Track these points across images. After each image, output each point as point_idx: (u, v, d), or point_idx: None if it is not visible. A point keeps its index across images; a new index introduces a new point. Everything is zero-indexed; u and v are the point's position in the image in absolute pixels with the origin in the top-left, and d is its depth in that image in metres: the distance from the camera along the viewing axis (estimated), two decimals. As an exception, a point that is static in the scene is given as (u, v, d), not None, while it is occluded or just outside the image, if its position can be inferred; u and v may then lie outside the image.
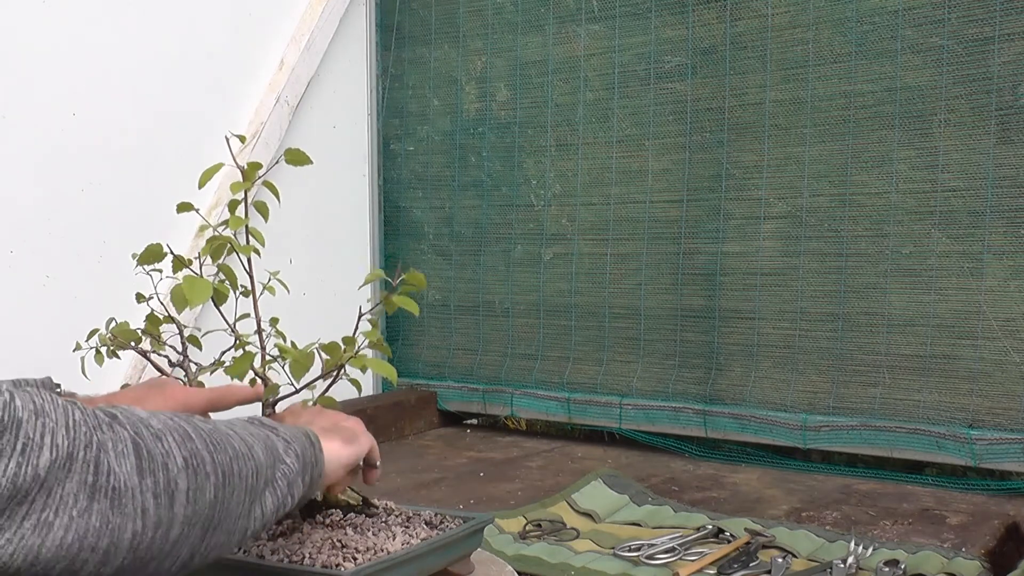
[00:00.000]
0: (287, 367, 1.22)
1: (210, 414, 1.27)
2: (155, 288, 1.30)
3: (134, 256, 1.28)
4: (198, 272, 1.24)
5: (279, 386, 1.26)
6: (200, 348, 1.34)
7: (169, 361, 1.35)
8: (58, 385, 1.15)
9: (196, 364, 1.33)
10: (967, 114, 2.02)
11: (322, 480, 1.07)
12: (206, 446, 0.87)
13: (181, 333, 1.33)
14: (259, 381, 1.28)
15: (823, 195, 2.19)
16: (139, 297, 1.31)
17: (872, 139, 2.13)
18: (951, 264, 2.06)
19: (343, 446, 1.13)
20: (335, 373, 1.22)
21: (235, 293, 1.29)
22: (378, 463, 1.23)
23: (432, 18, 2.70)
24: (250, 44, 2.42)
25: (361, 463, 1.22)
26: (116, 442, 0.80)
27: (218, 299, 1.25)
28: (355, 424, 1.19)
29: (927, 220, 2.08)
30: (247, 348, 1.26)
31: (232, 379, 1.24)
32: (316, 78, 2.55)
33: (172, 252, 1.27)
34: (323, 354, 1.21)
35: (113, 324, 1.31)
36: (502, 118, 2.61)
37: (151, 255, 1.27)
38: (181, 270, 1.24)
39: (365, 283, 1.31)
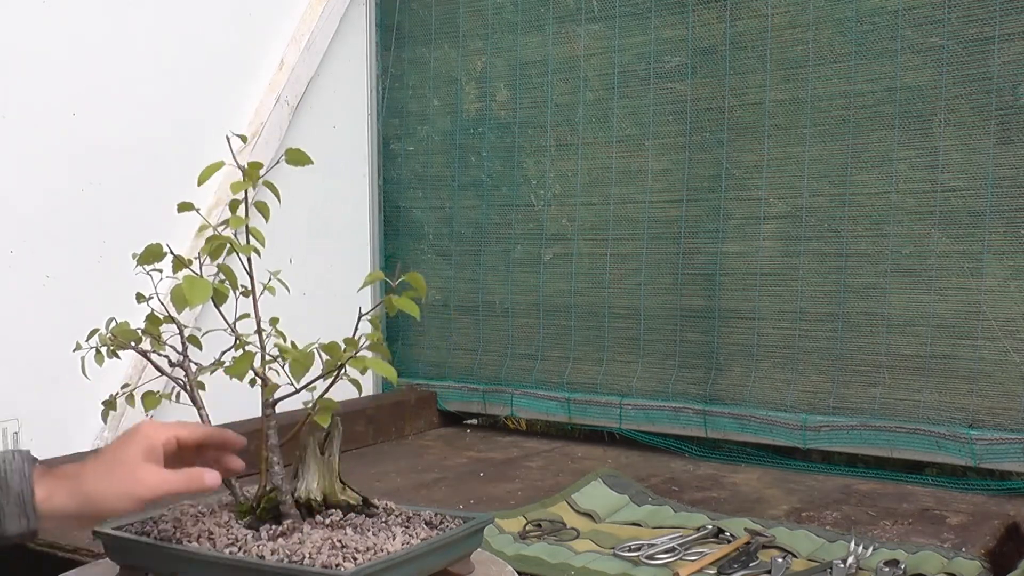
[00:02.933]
0: (287, 367, 1.22)
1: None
2: (155, 288, 1.30)
3: (134, 256, 1.28)
4: (198, 272, 1.24)
5: (279, 386, 1.26)
6: (200, 348, 1.35)
7: (169, 361, 1.35)
8: (35, 460, 1.15)
9: (196, 364, 1.34)
10: (967, 114, 2.02)
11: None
12: None
13: (181, 333, 1.33)
14: (259, 381, 1.28)
15: (823, 195, 2.19)
16: (139, 297, 1.31)
17: (872, 139, 2.13)
18: (951, 264, 2.06)
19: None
20: (335, 373, 1.22)
21: (235, 293, 1.29)
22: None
23: (432, 18, 2.70)
24: (250, 44, 2.42)
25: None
26: None
27: (218, 299, 1.26)
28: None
29: (927, 220, 2.08)
30: (247, 348, 1.26)
31: (230, 378, 1.24)
32: (316, 78, 2.55)
33: (172, 252, 1.27)
34: (323, 354, 1.21)
35: (113, 324, 1.31)
36: (502, 118, 2.61)
37: (151, 255, 1.27)
38: (181, 270, 1.24)
39: (364, 285, 1.31)
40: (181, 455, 1.22)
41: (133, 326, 1.32)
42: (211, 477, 1.19)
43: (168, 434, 1.19)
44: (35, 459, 1.14)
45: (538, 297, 2.58)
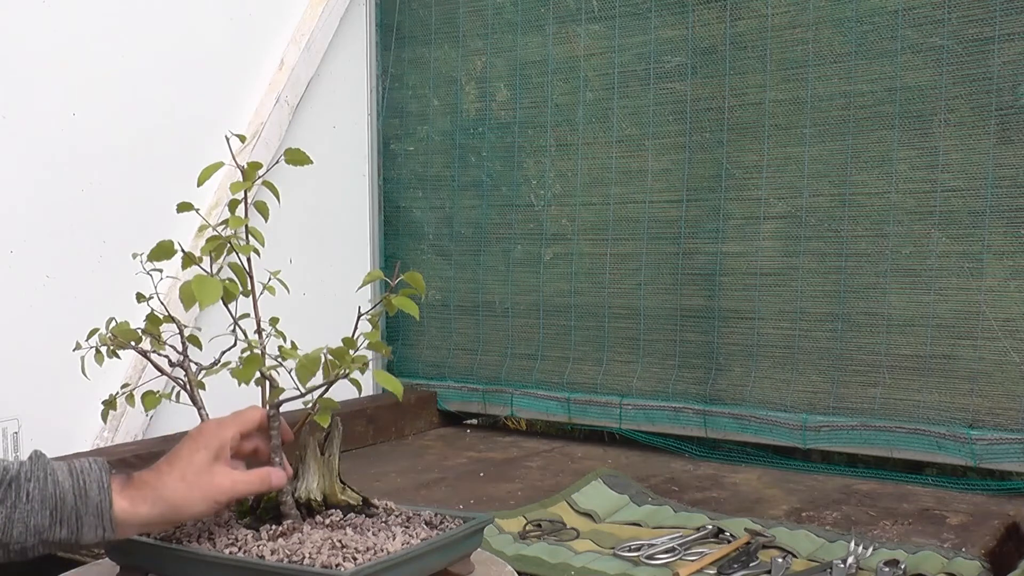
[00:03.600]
0: (293, 371, 1.21)
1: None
2: (155, 288, 1.30)
3: (134, 256, 1.28)
4: (208, 271, 1.24)
5: (284, 389, 1.26)
6: (200, 348, 1.35)
7: (169, 361, 1.35)
8: (111, 468, 1.20)
9: (196, 364, 1.33)
10: (967, 114, 2.02)
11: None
12: None
13: (181, 333, 1.33)
14: (266, 383, 1.28)
15: (823, 195, 2.19)
16: (139, 297, 1.31)
17: (872, 139, 2.13)
18: (951, 264, 2.06)
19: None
20: (335, 376, 1.22)
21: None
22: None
23: (432, 18, 2.70)
24: (250, 44, 2.42)
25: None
26: None
27: (227, 298, 1.25)
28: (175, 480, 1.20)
29: (927, 220, 2.08)
30: (255, 350, 1.26)
31: (239, 383, 1.24)
32: (316, 78, 2.55)
33: (183, 250, 1.27)
34: (331, 358, 1.21)
35: (113, 324, 1.31)
36: (502, 118, 2.61)
37: (162, 252, 1.26)
38: (189, 267, 1.24)
39: (363, 284, 1.31)
40: (240, 445, 1.28)
41: (133, 326, 1.32)
42: (277, 477, 1.26)
43: (232, 432, 1.25)
44: (110, 467, 1.18)
45: (538, 297, 2.58)
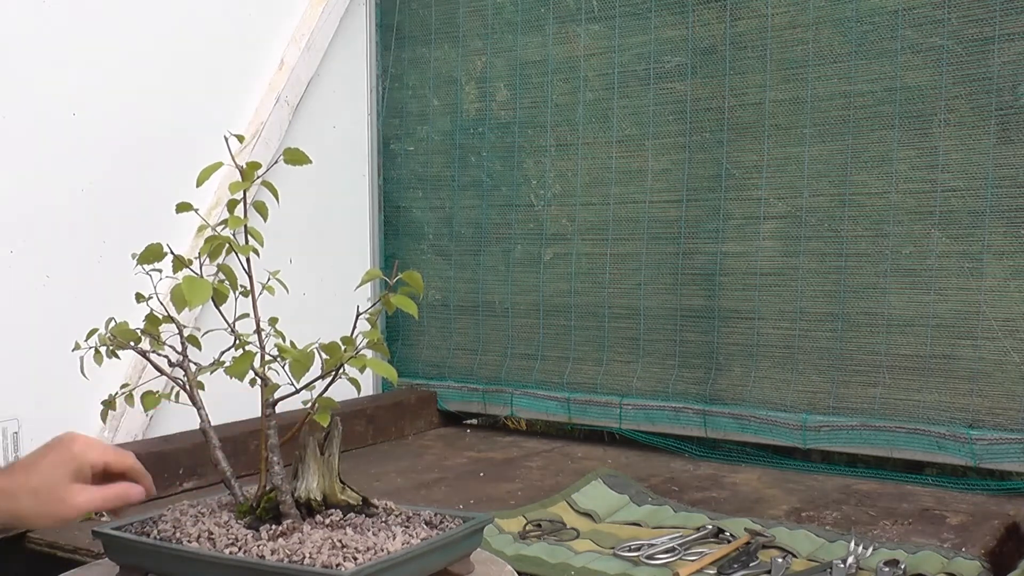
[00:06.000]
0: (287, 367, 1.22)
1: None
2: (155, 288, 1.30)
3: (134, 256, 1.28)
4: (198, 272, 1.24)
5: (279, 386, 1.26)
6: (200, 348, 1.34)
7: (169, 361, 1.35)
8: None
9: (196, 364, 1.33)
10: (967, 114, 2.02)
11: None
12: None
13: (181, 333, 1.33)
14: (259, 381, 1.28)
15: (823, 195, 2.19)
16: (139, 297, 1.31)
17: (872, 139, 2.13)
18: (951, 264, 2.06)
19: None
20: (334, 373, 1.22)
21: (235, 293, 1.29)
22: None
23: (432, 18, 2.70)
24: (250, 44, 2.42)
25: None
26: None
27: (218, 299, 1.26)
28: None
29: (927, 220, 2.08)
30: (247, 348, 1.26)
31: (231, 378, 1.24)
32: (316, 78, 2.54)
33: (172, 252, 1.27)
34: (323, 354, 1.21)
35: (113, 324, 1.31)
36: (502, 118, 2.61)
37: (151, 255, 1.27)
38: (181, 270, 1.24)
39: (362, 283, 1.31)
40: (105, 477, 1.29)
41: (133, 326, 1.32)
42: (136, 491, 1.28)
43: (99, 458, 1.27)
44: None
45: (538, 297, 2.58)
